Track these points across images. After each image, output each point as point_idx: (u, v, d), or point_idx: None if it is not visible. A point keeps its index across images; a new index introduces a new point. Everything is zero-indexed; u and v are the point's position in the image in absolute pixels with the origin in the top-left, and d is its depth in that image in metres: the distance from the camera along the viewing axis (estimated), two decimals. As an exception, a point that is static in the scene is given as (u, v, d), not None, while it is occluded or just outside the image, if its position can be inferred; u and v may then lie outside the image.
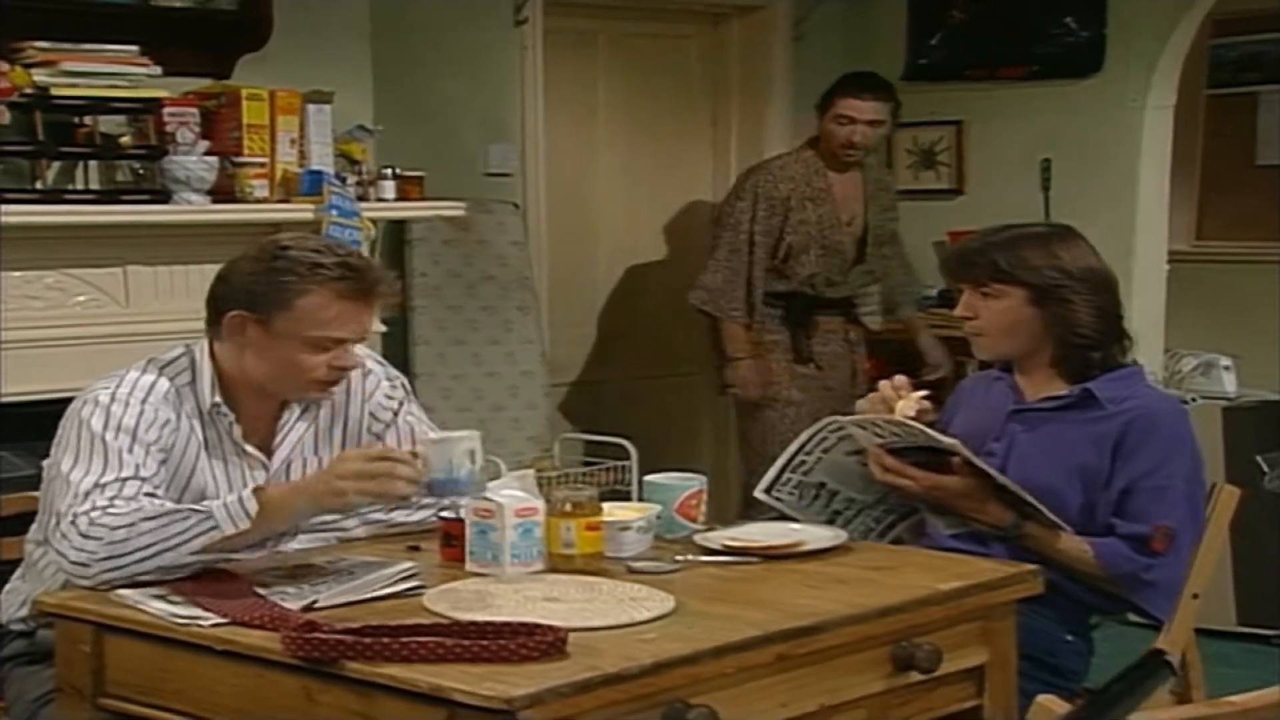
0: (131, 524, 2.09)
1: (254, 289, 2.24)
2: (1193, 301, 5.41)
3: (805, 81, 5.27)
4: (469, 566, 2.19)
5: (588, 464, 4.52)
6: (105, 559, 2.08)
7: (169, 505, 2.16)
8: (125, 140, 3.48)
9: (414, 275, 4.39)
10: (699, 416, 5.33)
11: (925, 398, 2.52)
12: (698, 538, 2.38)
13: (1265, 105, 5.65)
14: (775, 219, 4.38)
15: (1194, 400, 4.52)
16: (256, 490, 2.13)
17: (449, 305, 4.43)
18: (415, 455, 2.15)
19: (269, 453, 2.34)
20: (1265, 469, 4.42)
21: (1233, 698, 1.54)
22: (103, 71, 3.38)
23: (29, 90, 3.31)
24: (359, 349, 2.38)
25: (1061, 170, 4.93)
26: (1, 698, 2.43)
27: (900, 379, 2.55)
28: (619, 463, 4.31)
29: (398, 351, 4.29)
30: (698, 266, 5.33)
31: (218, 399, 2.28)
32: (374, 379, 2.45)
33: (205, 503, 2.16)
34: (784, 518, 2.55)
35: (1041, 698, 1.52)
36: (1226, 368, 4.61)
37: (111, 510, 2.12)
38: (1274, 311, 5.58)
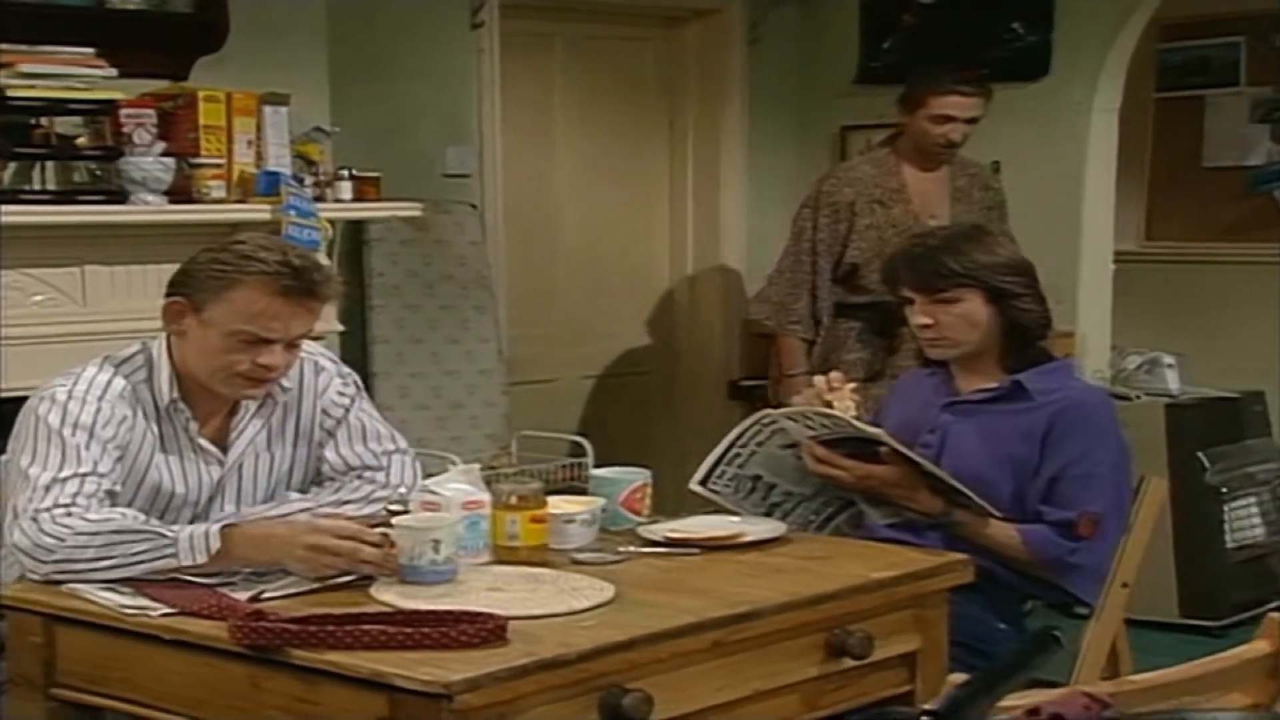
0: (95, 533, 2.13)
1: (195, 277, 2.27)
2: (1141, 300, 5.49)
3: (760, 84, 5.34)
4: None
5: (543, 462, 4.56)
6: (61, 560, 2.12)
7: (135, 522, 2.17)
8: (82, 141, 3.50)
9: (372, 275, 4.41)
10: (656, 414, 5.38)
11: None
12: (641, 530, 2.43)
13: (1212, 108, 5.74)
14: (840, 225, 4.05)
15: (1138, 397, 4.59)
16: (225, 528, 2.15)
17: (407, 304, 4.46)
18: (386, 536, 2.12)
19: (224, 448, 2.37)
20: (1207, 464, 4.50)
21: (1133, 677, 1.60)
22: (59, 73, 3.39)
23: (-14, 92, 3.33)
24: (310, 345, 2.42)
25: (1010, 171, 4.98)
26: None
27: (836, 375, 2.61)
28: (576, 460, 4.35)
29: (357, 350, 4.32)
30: (656, 266, 5.41)
31: (175, 395, 2.31)
32: (326, 376, 2.47)
33: (173, 528, 2.17)
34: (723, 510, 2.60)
35: (952, 675, 1.58)
36: (1170, 365, 4.69)
37: (75, 509, 2.16)
38: (1220, 311, 5.68)
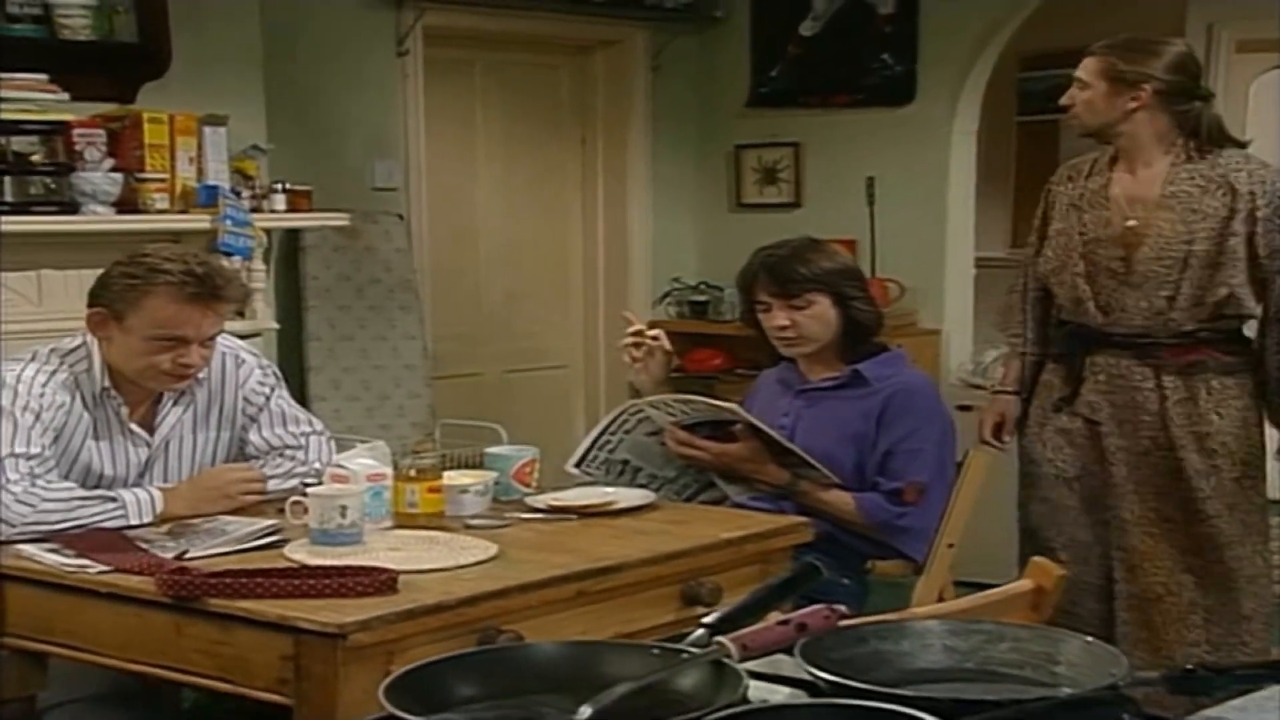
0: (60, 499, 2.28)
1: (112, 290, 2.40)
2: (1008, 301, 5.71)
3: (662, 106, 5.49)
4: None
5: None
6: (32, 523, 2.26)
7: (88, 491, 2.35)
8: (37, 158, 3.56)
9: (307, 278, 4.52)
10: (571, 406, 5.53)
11: None
12: (528, 499, 2.58)
13: (1065, 133, 5.95)
14: (1040, 228, 3.15)
15: (992, 387, 4.79)
16: (162, 490, 2.35)
17: (339, 305, 4.57)
18: (298, 502, 2.30)
19: (150, 431, 2.50)
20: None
21: (916, 609, 1.78)
22: (15, 97, 3.46)
23: (-53, 113, 3.41)
24: (232, 340, 2.55)
25: (883, 187, 5.17)
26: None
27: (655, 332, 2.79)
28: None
29: (292, 346, 4.44)
30: (570, 270, 5.56)
31: (107, 383, 2.44)
32: (247, 368, 2.60)
33: (118, 493, 2.35)
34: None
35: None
36: (1022, 358, 4.89)
37: (41, 482, 2.30)
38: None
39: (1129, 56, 2.93)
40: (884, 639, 1.30)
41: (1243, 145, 3.00)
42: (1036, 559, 1.92)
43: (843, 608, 1.31)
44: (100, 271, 2.49)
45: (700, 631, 1.28)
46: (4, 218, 3.53)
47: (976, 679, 1.27)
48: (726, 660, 1.24)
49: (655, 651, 1.26)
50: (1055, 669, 1.25)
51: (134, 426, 2.47)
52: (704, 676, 1.22)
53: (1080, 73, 3.00)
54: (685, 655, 1.24)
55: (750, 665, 1.27)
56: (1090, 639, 1.27)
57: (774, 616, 1.31)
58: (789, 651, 1.28)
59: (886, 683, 1.22)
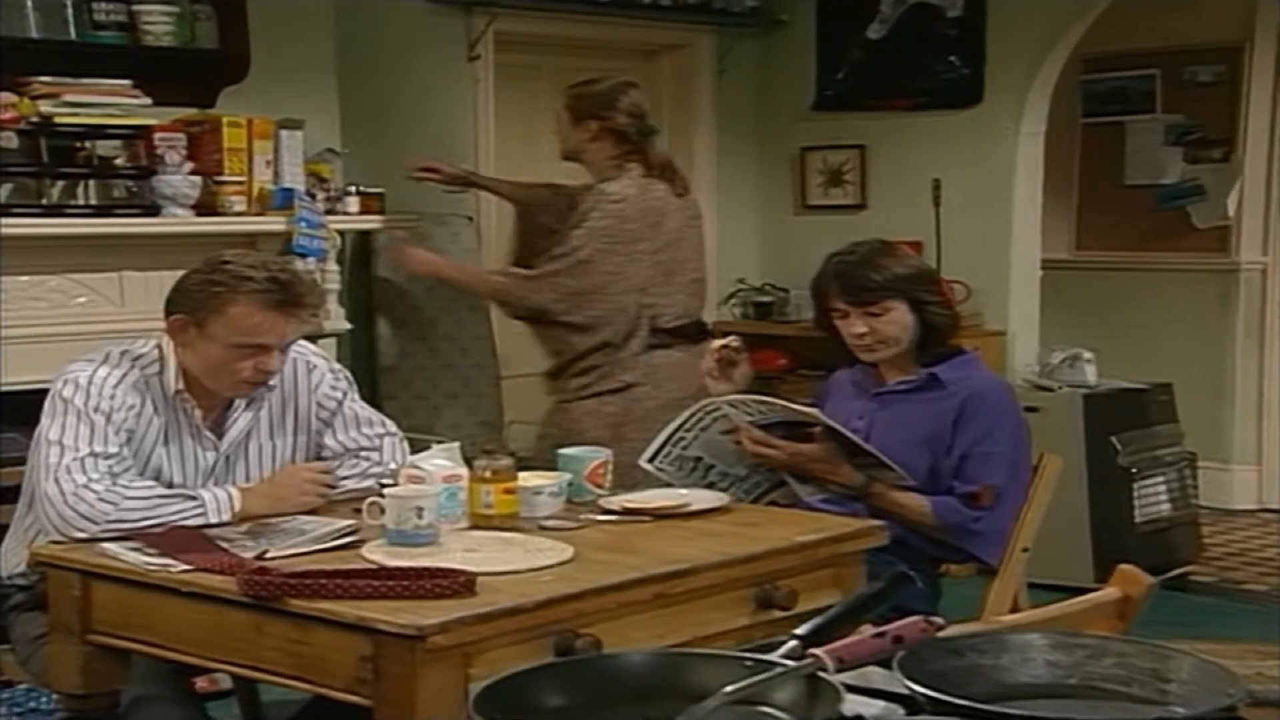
0: (142, 498, 2.26)
1: (194, 296, 2.37)
2: (1071, 303, 5.61)
3: (726, 110, 5.44)
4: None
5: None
6: (114, 520, 2.24)
7: (168, 489, 2.33)
8: (119, 162, 3.59)
9: (378, 279, 4.52)
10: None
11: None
12: (601, 501, 2.53)
13: (1131, 132, 5.86)
14: None
15: (1060, 388, 4.71)
16: (240, 489, 2.33)
17: (409, 306, 4.56)
18: (374, 503, 2.26)
19: (219, 436, 2.48)
20: (1119, 447, 4.62)
21: (1001, 617, 1.72)
22: (99, 102, 3.49)
23: (34, 119, 3.42)
24: (303, 345, 2.52)
25: (949, 189, 5.09)
26: (7, 640, 2.58)
27: (734, 340, 2.74)
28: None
29: (364, 347, 4.43)
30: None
31: (180, 386, 2.42)
32: (319, 373, 2.56)
33: (197, 491, 2.33)
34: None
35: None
36: (1089, 360, 4.80)
37: (122, 481, 2.28)
38: (1135, 312, 5.81)
39: None
40: (982, 652, 1.24)
41: None
42: (1124, 566, 1.84)
43: (940, 619, 1.25)
44: (179, 274, 2.47)
45: (793, 643, 1.22)
46: (87, 220, 3.55)
47: (1080, 696, 1.21)
48: (822, 674, 1.18)
49: (747, 663, 1.21)
50: (1165, 687, 1.18)
51: (205, 430, 2.45)
52: (799, 690, 1.17)
53: None
54: (779, 668, 1.18)
55: (839, 677, 1.22)
56: (1203, 656, 1.20)
57: (867, 628, 1.25)
58: (879, 662, 1.23)
59: (985, 698, 1.16)
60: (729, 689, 1.11)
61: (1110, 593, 1.80)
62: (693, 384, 3.30)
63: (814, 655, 1.19)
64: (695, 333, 3.65)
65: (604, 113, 3.54)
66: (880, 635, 1.21)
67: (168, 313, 2.39)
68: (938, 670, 1.20)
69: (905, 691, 1.18)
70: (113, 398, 2.35)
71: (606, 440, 3.50)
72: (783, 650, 1.22)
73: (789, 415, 2.64)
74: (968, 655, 1.24)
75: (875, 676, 1.26)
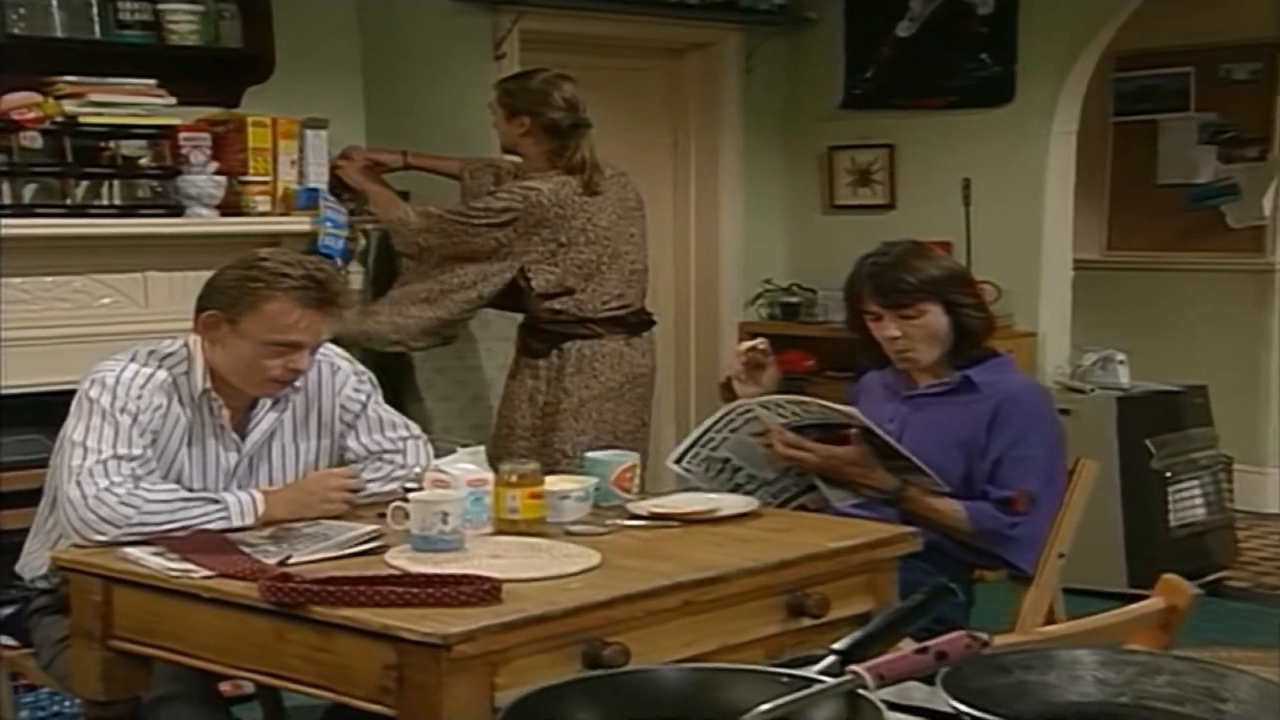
0: (165, 501, 2.24)
1: (229, 292, 2.34)
2: (1103, 304, 5.54)
3: (754, 108, 5.39)
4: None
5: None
6: (136, 524, 2.21)
7: (190, 493, 2.30)
8: (144, 162, 3.57)
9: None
10: (662, 408, 5.42)
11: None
12: (629, 505, 2.49)
13: (1163, 131, 5.78)
14: None
15: (1093, 390, 4.64)
16: (264, 492, 2.30)
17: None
18: (399, 508, 2.23)
19: (243, 436, 2.44)
20: (1153, 451, 4.54)
21: (1042, 628, 1.66)
22: (124, 102, 3.47)
23: (59, 119, 3.40)
24: (327, 347, 2.49)
25: (979, 188, 5.03)
26: (30, 643, 2.56)
27: (762, 342, 2.70)
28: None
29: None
30: (661, 273, 5.44)
31: (208, 385, 2.39)
32: (343, 375, 2.53)
33: (220, 495, 2.30)
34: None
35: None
36: (1121, 362, 4.73)
37: (145, 484, 2.25)
38: (1168, 313, 5.73)
39: None
40: (1029, 669, 1.19)
41: None
42: (1168, 575, 1.79)
43: (984, 635, 1.20)
44: (204, 274, 2.45)
45: (831, 659, 1.17)
46: (112, 220, 3.53)
47: (1131, 716, 1.16)
48: (861, 691, 1.13)
49: (784, 679, 1.16)
50: (1221, 707, 1.13)
51: (229, 430, 2.42)
52: (838, 708, 1.12)
53: None
54: (817, 684, 1.13)
55: (880, 694, 1.17)
56: (1262, 676, 1.15)
57: (908, 642, 1.20)
58: (921, 678, 1.18)
59: (1033, 717, 1.11)
60: (765, 707, 1.07)
61: (1154, 603, 1.75)
62: (626, 373, 3.63)
63: (853, 672, 1.15)
64: (636, 323, 3.72)
65: (536, 108, 3.62)
66: (922, 651, 1.16)
67: (200, 309, 2.37)
68: (983, 688, 1.15)
69: (949, 710, 1.13)
70: (139, 398, 2.32)
71: (540, 428, 3.67)
72: (820, 666, 1.17)
73: (826, 415, 2.59)
74: (1014, 672, 1.19)
75: (917, 693, 1.21)
